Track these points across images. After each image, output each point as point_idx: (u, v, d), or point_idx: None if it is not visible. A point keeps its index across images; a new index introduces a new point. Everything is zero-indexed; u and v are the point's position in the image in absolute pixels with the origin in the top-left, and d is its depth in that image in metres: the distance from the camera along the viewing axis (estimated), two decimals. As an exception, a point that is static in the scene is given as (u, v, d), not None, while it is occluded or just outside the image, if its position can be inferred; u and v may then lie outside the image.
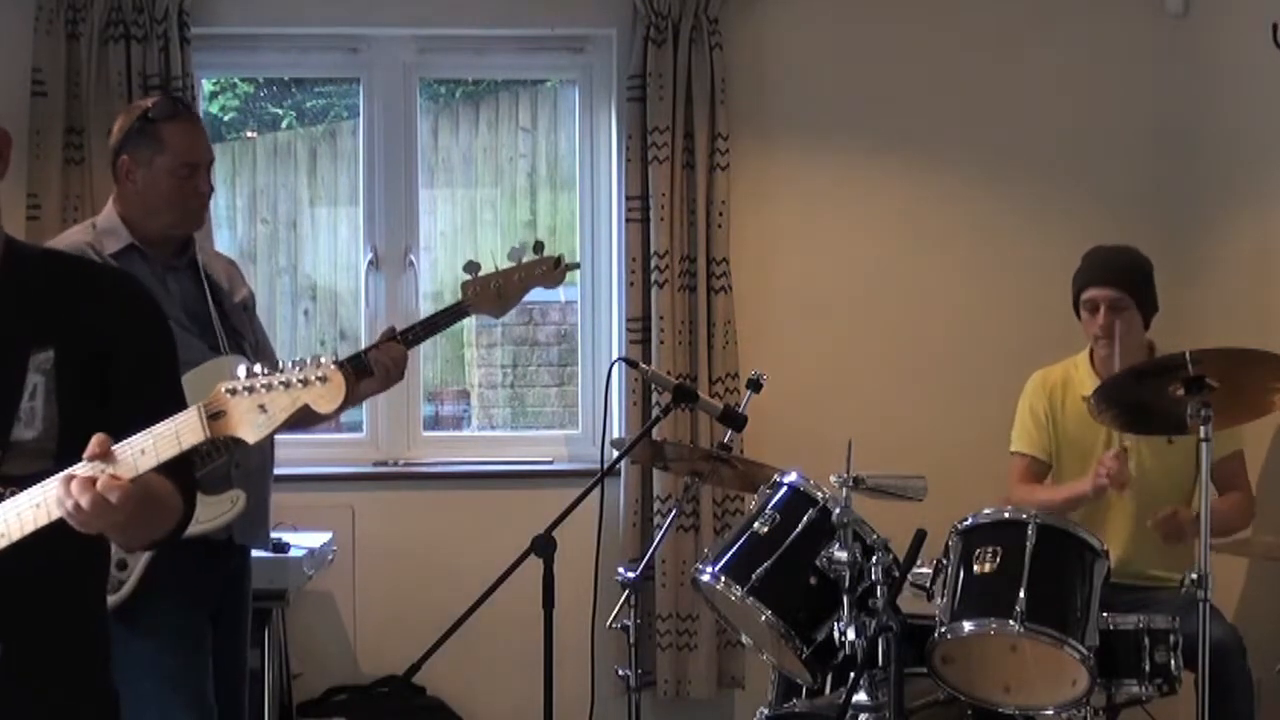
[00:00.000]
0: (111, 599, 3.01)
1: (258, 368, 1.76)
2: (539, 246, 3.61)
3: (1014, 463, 4.21)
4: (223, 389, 1.75)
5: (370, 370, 3.36)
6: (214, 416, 1.76)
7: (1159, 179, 4.92)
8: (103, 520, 1.83)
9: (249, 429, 1.75)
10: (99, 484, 1.80)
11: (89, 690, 2.11)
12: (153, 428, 1.79)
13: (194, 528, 3.15)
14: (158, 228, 3.28)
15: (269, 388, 1.74)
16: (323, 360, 1.75)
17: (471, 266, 3.57)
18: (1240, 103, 4.58)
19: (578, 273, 4.97)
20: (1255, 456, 4.23)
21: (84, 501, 1.80)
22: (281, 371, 1.75)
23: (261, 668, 4.21)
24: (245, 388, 1.75)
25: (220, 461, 3.15)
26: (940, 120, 4.93)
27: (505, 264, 3.57)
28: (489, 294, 3.55)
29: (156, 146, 3.25)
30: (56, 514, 1.85)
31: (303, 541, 4.34)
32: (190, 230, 3.38)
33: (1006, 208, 4.97)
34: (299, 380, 1.73)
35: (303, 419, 1.85)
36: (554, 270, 3.62)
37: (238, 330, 3.35)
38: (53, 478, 1.85)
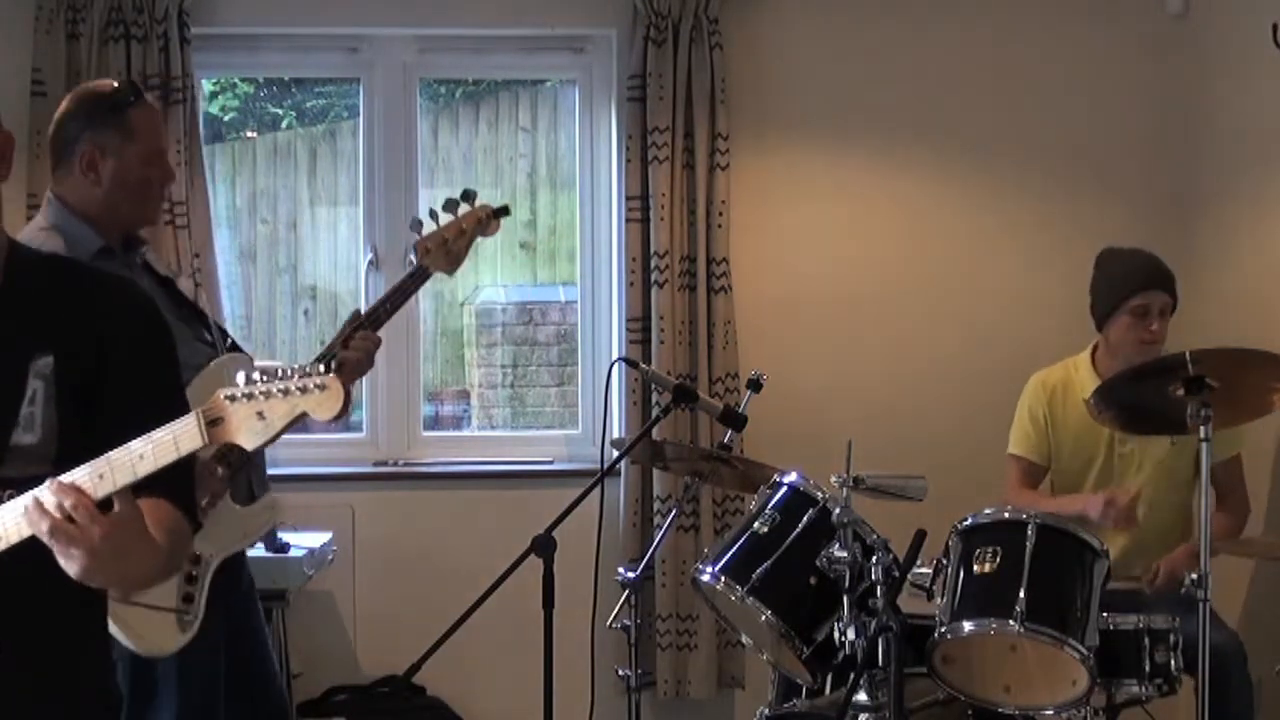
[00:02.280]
0: (184, 637, 2.95)
1: (257, 374, 1.75)
2: (470, 195, 3.55)
3: (1011, 465, 4.21)
4: (222, 395, 1.74)
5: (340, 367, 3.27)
6: (212, 423, 1.75)
7: (1159, 178, 4.92)
8: (84, 546, 1.82)
9: (247, 436, 1.74)
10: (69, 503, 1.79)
11: (90, 691, 2.11)
12: (151, 434, 1.78)
13: (243, 542, 3.17)
14: (120, 222, 3.07)
15: (268, 395, 1.73)
16: (321, 367, 1.75)
17: (416, 224, 3.51)
18: (1240, 102, 4.58)
19: (578, 272, 5.02)
20: (1258, 456, 4.23)
21: (43, 526, 1.80)
22: (281, 378, 1.74)
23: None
24: (244, 394, 1.74)
25: (244, 471, 3.13)
26: (939, 120, 4.93)
27: (445, 219, 3.52)
28: (441, 251, 3.49)
29: (126, 134, 3.03)
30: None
31: (303, 541, 4.33)
32: (152, 223, 3.28)
33: (1005, 207, 4.97)
34: (298, 388, 1.73)
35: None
36: (490, 220, 3.56)
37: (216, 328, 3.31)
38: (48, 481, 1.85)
